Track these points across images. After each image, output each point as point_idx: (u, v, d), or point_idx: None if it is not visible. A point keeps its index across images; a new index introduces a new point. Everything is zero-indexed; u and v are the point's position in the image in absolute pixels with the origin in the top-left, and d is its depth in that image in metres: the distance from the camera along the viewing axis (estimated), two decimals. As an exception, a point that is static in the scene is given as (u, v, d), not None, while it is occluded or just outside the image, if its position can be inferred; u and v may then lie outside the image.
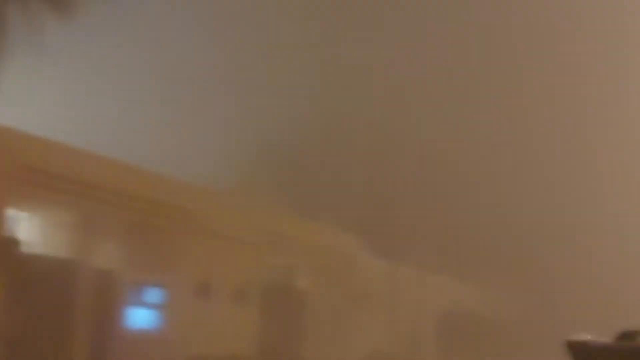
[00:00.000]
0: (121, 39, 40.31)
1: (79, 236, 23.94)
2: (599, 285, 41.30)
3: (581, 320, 27.61)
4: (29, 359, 21.31)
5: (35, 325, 21.57)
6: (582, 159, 44.80)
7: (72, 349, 23.01)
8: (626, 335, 7.36)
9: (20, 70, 20.17)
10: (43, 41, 19.18)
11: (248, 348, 30.17)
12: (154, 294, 26.36)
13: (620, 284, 41.10)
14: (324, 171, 38.40)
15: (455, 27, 45.21)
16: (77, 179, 23.53)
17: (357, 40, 43.39)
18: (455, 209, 40.02)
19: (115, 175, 25.24)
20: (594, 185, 44.74)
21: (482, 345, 38.76)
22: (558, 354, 8.15)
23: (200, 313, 27.74)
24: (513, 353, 38.79)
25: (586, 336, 7.51)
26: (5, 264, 20.72)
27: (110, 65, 40.99)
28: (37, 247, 22.73)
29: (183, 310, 27.05)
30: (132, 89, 41.10)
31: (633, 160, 45.84)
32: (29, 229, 22.77)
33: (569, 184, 44.38)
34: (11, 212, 21.96)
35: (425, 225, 38.97)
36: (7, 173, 21.24)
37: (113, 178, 24.99)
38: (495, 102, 44.92)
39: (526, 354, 38.05)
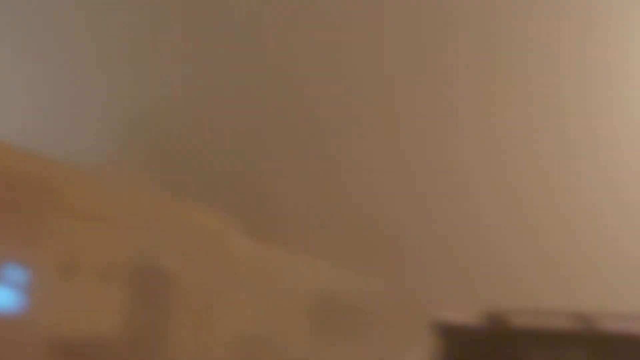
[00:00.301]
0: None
1: None
2: (469, 266, 42.03)
3: (450, 302, 28.00)
4: None
5: None
6: (443, 140, 45.20)
7: None
8: (494, 316, 7.31)
9: None
10: None
11: (114, 329, 29.58)
12: (15, 274, 25.50)
13: (489, 266, 41.87)
14: (195, 151, 37.94)
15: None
16: None
17: (233, 21, 42.91)
18: (328, 192, 40.06)
19: (-24, 149, 24.28)
20: (461, 167, 45.37)
21: (352, 326, 39.07)
22: (427, 334, 8.06)
23: (65, 294, 27.01)
24: (384, 333, 39.21)
25: (453, 316, 7.45)
26: None
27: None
28: None
29: (46, 290, 26.27)
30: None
31: (486, 136, 46.41)
32: None
33: (437, 166, 44.94)
34: None
35: (298, 207, 38.96)
36: None
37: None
38: (359, 84, 44.93)
39: (396, 334, 38.50)
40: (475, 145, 44.72)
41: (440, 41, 45.49)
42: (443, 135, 44.81)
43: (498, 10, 45.20)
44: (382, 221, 41.30)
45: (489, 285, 36.93)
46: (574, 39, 46.12)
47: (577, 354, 7.37)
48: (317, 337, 39.49)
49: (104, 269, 29.19)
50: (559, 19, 46.46)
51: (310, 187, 39.52)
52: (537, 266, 42.08)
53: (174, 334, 32.44)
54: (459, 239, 42.70)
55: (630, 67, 46.01)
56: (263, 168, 38.04)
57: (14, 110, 37.49)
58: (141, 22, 42.08)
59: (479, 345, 7.29)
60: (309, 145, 38.98)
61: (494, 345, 7.35)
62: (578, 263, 42.41)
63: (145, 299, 30.94)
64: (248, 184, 37.69)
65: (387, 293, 43.16)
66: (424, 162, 43.86)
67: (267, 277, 38.48)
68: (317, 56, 42.69)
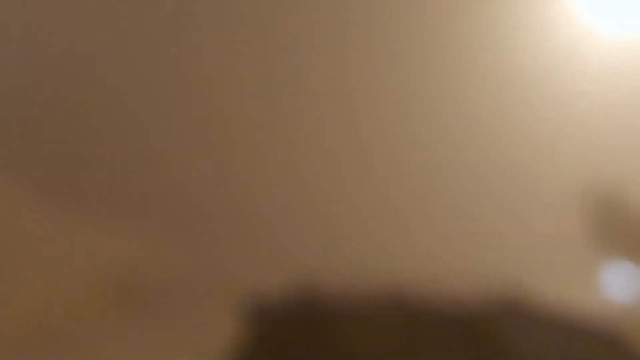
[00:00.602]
0: None
1: None
2: (277, 237, 41.79)
3: (257, 272, 28.54)
4: None
5: None
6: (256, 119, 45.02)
7: None
8: (307, 295, 7.69)
9: None
10: None
11: None
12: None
13: (303, 243, 41.73)
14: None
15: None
16: None
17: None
18: (132, 161, 39.65)
19: None
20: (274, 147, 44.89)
21: (146, 299, 39.04)
22: (231, 308, 8.47)
23: None
24: (183, 306, 39.41)
25: (265, 295, 7.79)
26: None
27: None
28: None
29: None
30: None
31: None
32: None
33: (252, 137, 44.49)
34: None
35: (83, 173, 38.89)
36: None
37: None
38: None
39: (205, 308, 38.68)
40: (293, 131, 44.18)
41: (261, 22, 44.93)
42: (257, 113, 44.68)
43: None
44: (190, 190, 41.01)
45: (306, 253, 37.19)
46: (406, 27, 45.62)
47: (394, 332, 7.96)
48: (118, 311, 39.49)
49: None
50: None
51: (94, 148, 39.37)
52: (358, 234, 41.98)
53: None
54: (269, 209, 42.22)
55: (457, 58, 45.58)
56: (43, 128, 37.79)
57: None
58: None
59: (290, 325, 7.75)
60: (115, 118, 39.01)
61: (307, 326, 7.82)
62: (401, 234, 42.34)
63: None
64: (28, 143, 37.38)
65: (187, 264, 42.96)
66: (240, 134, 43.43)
67: (64, 252, 38.60)
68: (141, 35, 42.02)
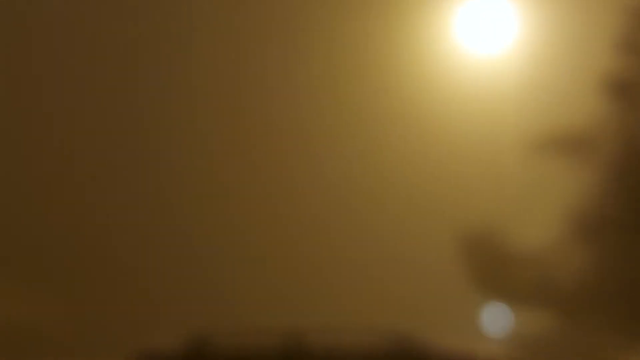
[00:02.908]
0: None
1: None
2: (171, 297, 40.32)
3: (152, 325, 27.63)
4: None
5: None
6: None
7: None
8: (197, 339, 7.37)
9: None
10: None
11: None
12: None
13: (196, 304, 40.47)
14: None
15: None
16: None
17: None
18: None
19: None
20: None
21: (29, 353, 37.42)
22: None
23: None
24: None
25: (153, 342, 7.51)
26: None
27: None
28: None
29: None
30: None
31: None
32: None
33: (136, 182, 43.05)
34: None
35: None
36: None
37: None
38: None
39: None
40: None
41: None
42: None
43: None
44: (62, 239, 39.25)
45: (195, 306, 36.11)
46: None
47: None
48: None
49: None
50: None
51: None
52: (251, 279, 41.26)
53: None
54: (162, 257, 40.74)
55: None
56: None
57: None
58: None
59: None
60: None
61: None
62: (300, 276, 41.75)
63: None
64: None
65: (75, 318, 41.41)
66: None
67: None
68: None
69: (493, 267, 20.36)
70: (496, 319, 38.89)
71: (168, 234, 41.29)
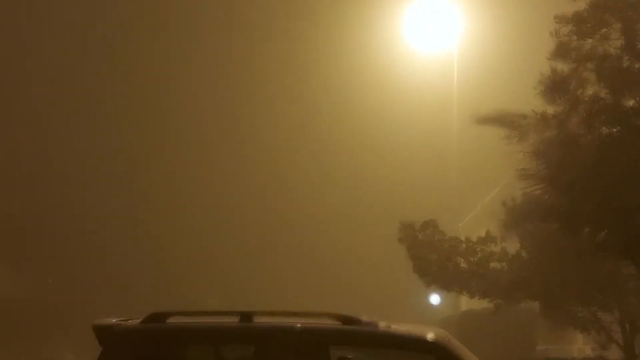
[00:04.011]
0: None
1: None
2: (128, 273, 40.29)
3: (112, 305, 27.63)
4: None
5: None
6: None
7: None
8: (155, 317, 7.67)
9: None
10: None
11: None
12: None
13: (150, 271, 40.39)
14: None
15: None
16: None
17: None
18: None
19: None
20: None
21: (9, 326, 37.34)
22: (90, 336, 8.40)
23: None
24: (48, 334, 38.08)
25: (112, 320, 7.77)
26: None
27: None
28: None
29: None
30: None
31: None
32: None
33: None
34: None
35: None
36: None
37: None
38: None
39: (62, 335, 37.78)
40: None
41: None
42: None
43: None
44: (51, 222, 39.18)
45: (151, 290, 36.28)
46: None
47: (236, 348, 8.05)
48: None
49: None
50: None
51: None
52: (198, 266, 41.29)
53: None
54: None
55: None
56: None
57: None
58: None
59: (139, 345, 7.73)
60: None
61: (154, 345, 7.82)
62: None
63: None
64: None
65: (52, 294, 41.34)
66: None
67: None
68: None
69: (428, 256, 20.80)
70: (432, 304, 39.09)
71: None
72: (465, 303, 31.55)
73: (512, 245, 20.77)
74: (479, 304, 23.94)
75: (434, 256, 20.86)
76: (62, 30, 42.66)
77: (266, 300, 30.79)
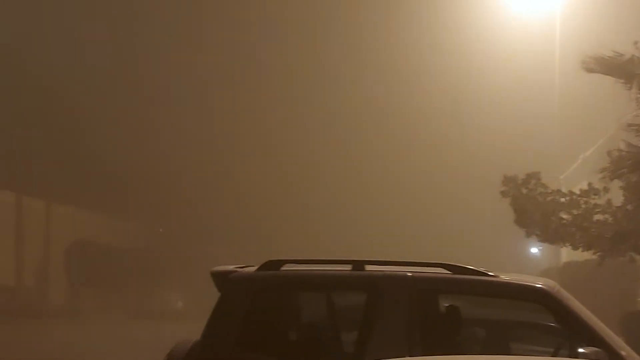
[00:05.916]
0: None
1: None
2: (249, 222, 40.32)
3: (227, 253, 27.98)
4: None
5: None
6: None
7: None
8: (270, 264, 7.97)
9: None
10: None
11: None
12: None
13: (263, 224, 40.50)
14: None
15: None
16: None
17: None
18: (90, 143, 38.40)
19: None
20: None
21: (117, 274, 38.71)
22: (203, 283, 8.69)
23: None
24: (156, 282, 38.80)
25: (230, 267, 8.06)
26: None
27: None
28: None
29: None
30: None
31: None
32: None
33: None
34: None
35: (51, 156, 37.62)
36: None
37: None
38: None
39: (170, 283, 38.42)
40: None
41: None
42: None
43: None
44: (155, 172, 39.45)
45: (270, 238, 36.54)
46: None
47: (348, 295, 8.33)
48: (76, 286, 39.42)
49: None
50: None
51: (63, 136, 38.03)
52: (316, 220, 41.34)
53: None
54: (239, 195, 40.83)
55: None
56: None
57: None
58: None
59: (256, 291, 8.04)
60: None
61: (270, 291, 8.14)
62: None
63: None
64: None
65: (161, 242, 41.80)
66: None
67: (22, 227, 38.03)
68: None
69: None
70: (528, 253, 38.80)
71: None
72: (567, 255, 31.34)
73: (616, 198, 20.59)
74: (580, 256, 23.80)
75: (537, 210, 20.77)
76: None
77: (379, 249, 31.01)
